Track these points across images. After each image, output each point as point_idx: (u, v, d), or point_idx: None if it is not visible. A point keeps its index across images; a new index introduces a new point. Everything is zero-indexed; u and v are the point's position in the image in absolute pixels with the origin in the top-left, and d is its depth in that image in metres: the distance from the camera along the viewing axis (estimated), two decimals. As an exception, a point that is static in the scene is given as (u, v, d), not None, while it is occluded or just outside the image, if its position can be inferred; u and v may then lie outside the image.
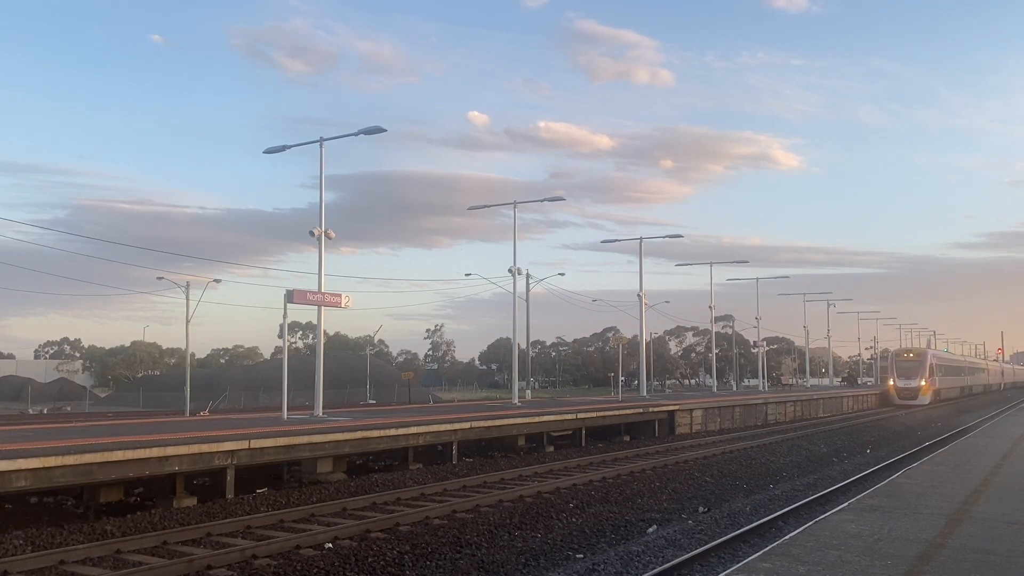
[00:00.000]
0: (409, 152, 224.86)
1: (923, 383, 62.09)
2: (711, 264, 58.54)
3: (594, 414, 28.78)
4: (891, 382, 63.94)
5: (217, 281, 57.60)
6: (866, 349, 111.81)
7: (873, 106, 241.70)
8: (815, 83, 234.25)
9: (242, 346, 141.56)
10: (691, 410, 34.83)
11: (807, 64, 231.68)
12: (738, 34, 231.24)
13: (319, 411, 26.52)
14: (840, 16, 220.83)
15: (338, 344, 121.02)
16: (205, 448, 15.75)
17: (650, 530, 14.41)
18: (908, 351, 67.65)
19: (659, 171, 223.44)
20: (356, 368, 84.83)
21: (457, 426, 22.49)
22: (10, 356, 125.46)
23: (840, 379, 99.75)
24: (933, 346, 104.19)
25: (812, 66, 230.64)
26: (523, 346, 51.91)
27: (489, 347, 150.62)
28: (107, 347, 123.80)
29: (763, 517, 15.16)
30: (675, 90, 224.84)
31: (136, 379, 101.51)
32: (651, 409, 32.78)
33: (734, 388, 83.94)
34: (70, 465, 13.43)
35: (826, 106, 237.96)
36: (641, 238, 48.40)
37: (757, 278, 69.56)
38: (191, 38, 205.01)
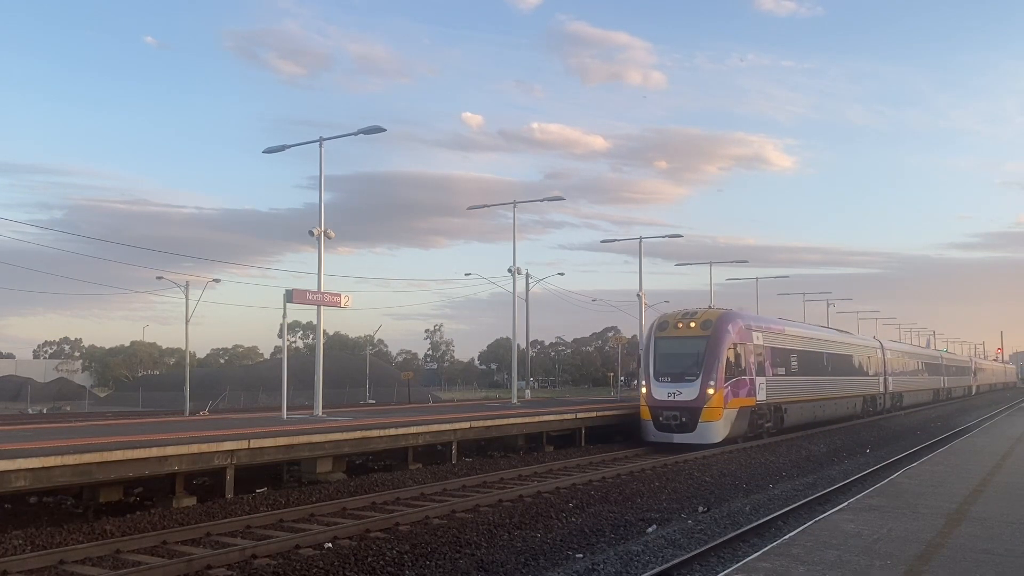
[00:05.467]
0: (404, 153, 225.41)
1: (710, 391, 26.67)
2: (711, 264, 58.30)
3: (593, 414, 28.75)
4: (643, 389, 28.37)
5: (216, 281, 57.95)
6: None
7: (862, 107, 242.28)
8: (804, 84, 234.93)
9: (241, 346, 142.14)
10: (690, 410, 34.70)
11: (796, 65, 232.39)
12: (728, 36, 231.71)
13: (319, 411, 26.51)
14: (827, 18, 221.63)
15: (337, 344, 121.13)
16: (205, 448, 15.74)
17: (650, 530, 14.41)
18: (685, 316, 29.03)
19: (654, 172, 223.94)
20: (356, 368, 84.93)
21: (456, 426, 22.49)
22: (9, 356, 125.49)
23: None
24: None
25: (801, 67, 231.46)
26: (523, 346, 51.87)
27: (488, 347, 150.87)
28: (106, 347, 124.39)
29: (763, 517, 15.16)
30: (667, 92, 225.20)
31: (136, 379, 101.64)
32: (651, 409, 32.68)
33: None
34: (69, 465, 13.41)
35: (816, 107, 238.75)
36: (641, 238, 48.14)
37: (756, 278, 68.95)
38: (184, 40, 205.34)
